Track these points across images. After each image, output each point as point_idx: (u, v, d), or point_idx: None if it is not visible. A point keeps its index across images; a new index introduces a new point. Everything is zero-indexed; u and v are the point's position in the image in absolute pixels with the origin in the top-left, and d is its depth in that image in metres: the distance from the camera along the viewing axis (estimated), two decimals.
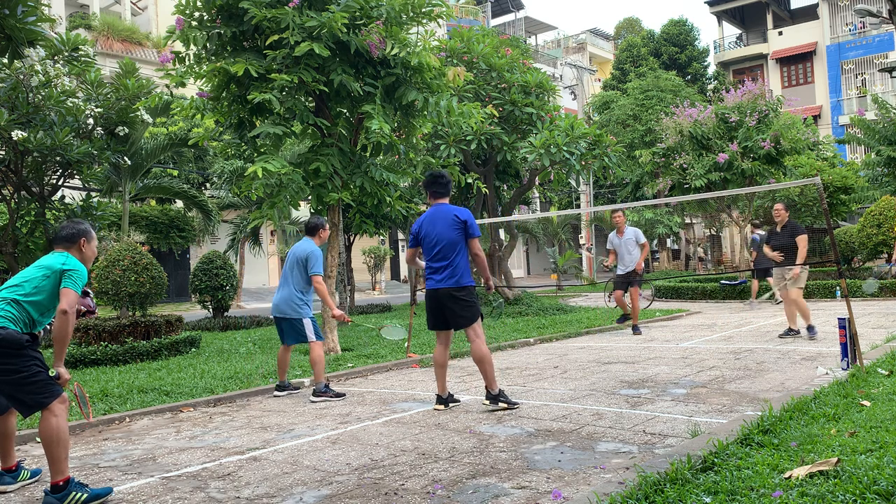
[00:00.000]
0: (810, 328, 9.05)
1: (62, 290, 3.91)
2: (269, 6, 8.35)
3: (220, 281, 14.39)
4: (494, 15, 46.79)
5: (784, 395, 5.46)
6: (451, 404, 5.89)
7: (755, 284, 15.38)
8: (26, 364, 3.79)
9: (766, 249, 9.48)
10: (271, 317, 15.98)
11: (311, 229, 7.10)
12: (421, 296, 11.63)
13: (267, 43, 8.35)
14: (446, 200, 5.92)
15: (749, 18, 41.98)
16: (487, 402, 5.73)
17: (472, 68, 14.34)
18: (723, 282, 17.73)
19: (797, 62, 38.66)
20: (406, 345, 9.34)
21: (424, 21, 9.22)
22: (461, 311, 5.67)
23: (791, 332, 9.20)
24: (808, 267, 9.13)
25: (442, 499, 3.59)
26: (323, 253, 7.21)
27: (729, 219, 23.48)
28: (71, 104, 8.80)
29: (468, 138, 13.69)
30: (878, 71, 29.88)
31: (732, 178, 18.76)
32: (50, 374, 3.86)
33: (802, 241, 8.92)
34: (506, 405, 5.65)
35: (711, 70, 40.51)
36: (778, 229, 9.31)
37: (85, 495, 3.74)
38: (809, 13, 39.90)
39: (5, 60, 7.58)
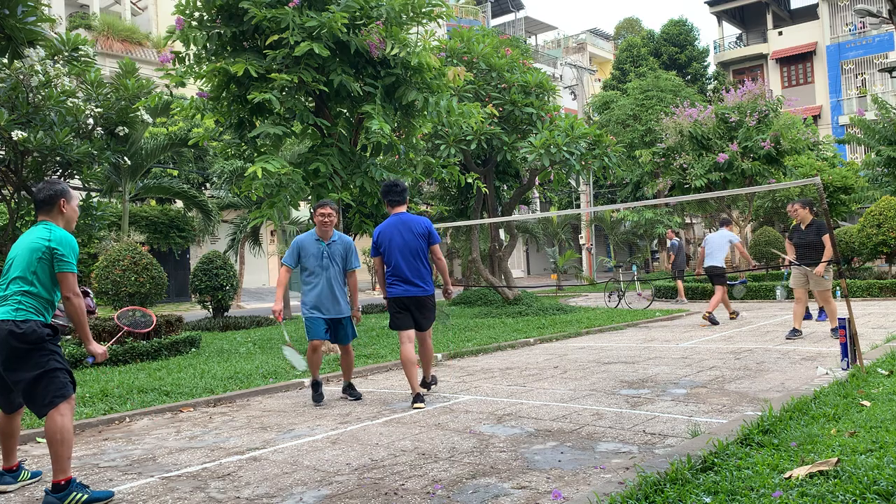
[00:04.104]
0: (834, 330, 8.88)
1: (58, 275, 3.88)
2: (269, 6, 8.36)
3: (220, 281, 14.38)
4: (494, 15, 46.78)
5: (784, 395, 5.46)
6: (430, 388, 6.52)
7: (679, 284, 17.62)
8: (45, 358, 3.79)
9: (787, 244, 9.36)
10: (272, 317, 15.97)
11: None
12: None
13: (267, 43, 8.35)
14: (404, 208, 6.28)
15: (749, 18, 41.98)
16: (424, 388, 6.42)
17: (472, 68, 14.34)
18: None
19: (797, 62, 38.66)
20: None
21: (424, 21, 9.22)
22: (430, 315, 6.26)
23: (796, 333, 9.17)
24: (832, 267, 9.01)
25: (442, 499, 3.59)
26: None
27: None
28: (71, 104, 8.79)
29: (468, 138, 13.70)
30: (878, 71, 29.88)
31: (732, 178, 18.76)
32: (86, 360, 3.95)
33: (828, 241, 8.70)
34: (435, 384, 6.62)
35: (711, 70, 40.51)
36: (802, 227, 9.05)
37: (85, 496, 3.73)
38: (809, 13, 39.91)
39: (5, 60, 7.58)
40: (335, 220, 6.38)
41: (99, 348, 4.11)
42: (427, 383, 6.60)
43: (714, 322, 11.54)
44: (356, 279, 6.52)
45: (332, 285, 6.30)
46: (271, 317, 16.06)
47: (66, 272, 3.88)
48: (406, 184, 6.46)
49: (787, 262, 9.36)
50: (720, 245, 11.90)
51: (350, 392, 6.59)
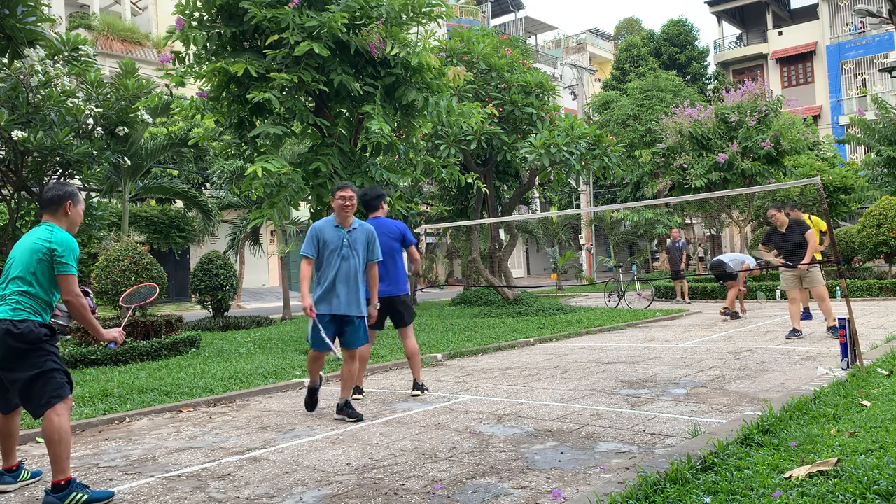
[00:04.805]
0: (833, 329, 8.87)
1: (58, 278, 3.88)
2: (269, 6, 8.36)
3: (220, 281, 14.38)
4: (494, 15, 46.80)
5: (784, 395, 5.46)
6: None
7: (681, 285, 17.44)
8: (42, 359, 3.79)
9: (762, 249, 9.37)
10: (272, 317, 15.96)
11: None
12: (419, 296, 11.95)
13: (267, 43, 8.35)
14: (381, 213, 6.62)
15: (749, 18, 42.00)
16: (417, 391, 6.53)
17: (472, 68, 14.35)
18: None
19: (797, 62, 38.68)
20: None
21: (424, 21, 9.24)
22: (406, 312, 6.56)
23: (795, 333, 9.16)
24: (817, 264, 8.99)
25: (442, 499, 3.59)
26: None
27: (729, 219, 23.47)
28: (71, 104, 8.79)
29: (468, 138, 13.70)
30: (878, 71, 29.90)
31: (732, 178, 18.76)
32: (107, 348, 3.97)
33: (812, 238, 8.80)
34: (426, 390, 6.60)
35: (711, 70, 40.54)
36: (782, 230, 9.08)
37: (85, 496, 3.73)
38: (809, 13, 39.93)
39: (5, 60, 7.58)
40: (356, 204, 5.66)
41: (114, 332, 4.17)
42: (420, 385, 6.57)
43: (731, 315, 12.29)
44: (377, 272, 5.91)
45: (350, 277, 5.55)
46: (272, 317, 16.06)
47: (66, 274, 3.88)
48: (380, 190, 6.73)
49: (771, 264, 9.45)
50: (736, 256, 13.17)
51: (347, 412, 5.57)
